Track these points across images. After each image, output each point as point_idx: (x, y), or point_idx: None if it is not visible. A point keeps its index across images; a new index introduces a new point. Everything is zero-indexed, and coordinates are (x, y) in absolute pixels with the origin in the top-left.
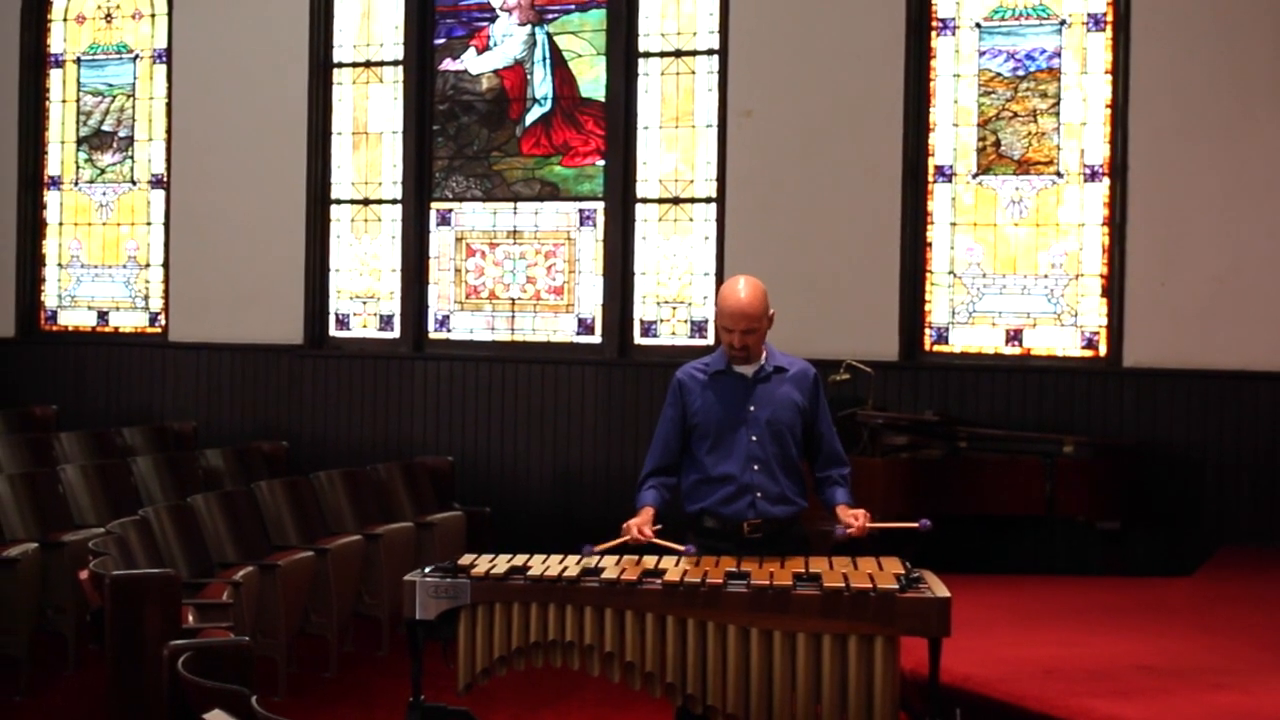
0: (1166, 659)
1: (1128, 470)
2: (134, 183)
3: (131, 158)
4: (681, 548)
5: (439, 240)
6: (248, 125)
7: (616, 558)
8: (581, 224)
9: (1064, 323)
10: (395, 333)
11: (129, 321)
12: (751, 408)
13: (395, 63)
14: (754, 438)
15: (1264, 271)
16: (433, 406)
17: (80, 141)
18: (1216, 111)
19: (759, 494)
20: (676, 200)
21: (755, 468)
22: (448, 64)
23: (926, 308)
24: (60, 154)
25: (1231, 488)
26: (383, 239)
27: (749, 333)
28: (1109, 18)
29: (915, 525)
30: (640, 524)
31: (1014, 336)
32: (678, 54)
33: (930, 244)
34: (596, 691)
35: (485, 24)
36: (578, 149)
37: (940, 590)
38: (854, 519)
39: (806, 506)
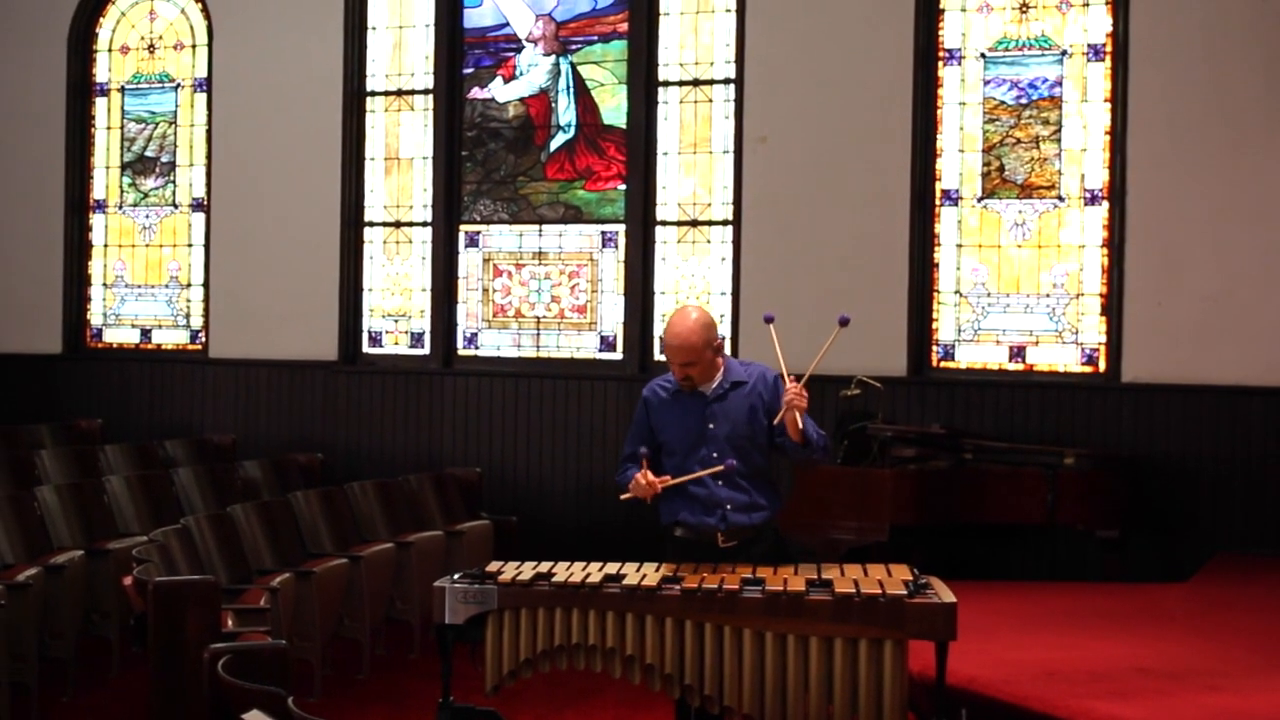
0: (1164, 662)
1: (1126, 481)
2: (176, 206)
3: (173, 182)
4: (719, 468)
5: (467, 261)
6: (284, 151)
7: (637, 565)
8: (604, 245)
9: (1065, 340)
10: (425, 349)
11: (171, 339)
12: (710, 425)
13: (426, 91)
14: (715, 454)
15: (1256, 291)
16: (461, 420)
17: (124, 167)
18: (1210, 138)
19: (728, 505)
20: (695, 223)
21: (719, 483)
22: (476, 92)
23: (934, 325)
24: (105, 179)
25: (1226, 497)
26: (413, 260)
27: (689, 365)
28: (1108, 49)
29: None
30: (644, 475)
31: (1017, 353)
32: (696, 83)
33: (937, 265)
34: (618, 693)
35: (512, 54)
36: (600, 174)
37: (947, 596)
38: (786, 393)
39: (779, 507)
